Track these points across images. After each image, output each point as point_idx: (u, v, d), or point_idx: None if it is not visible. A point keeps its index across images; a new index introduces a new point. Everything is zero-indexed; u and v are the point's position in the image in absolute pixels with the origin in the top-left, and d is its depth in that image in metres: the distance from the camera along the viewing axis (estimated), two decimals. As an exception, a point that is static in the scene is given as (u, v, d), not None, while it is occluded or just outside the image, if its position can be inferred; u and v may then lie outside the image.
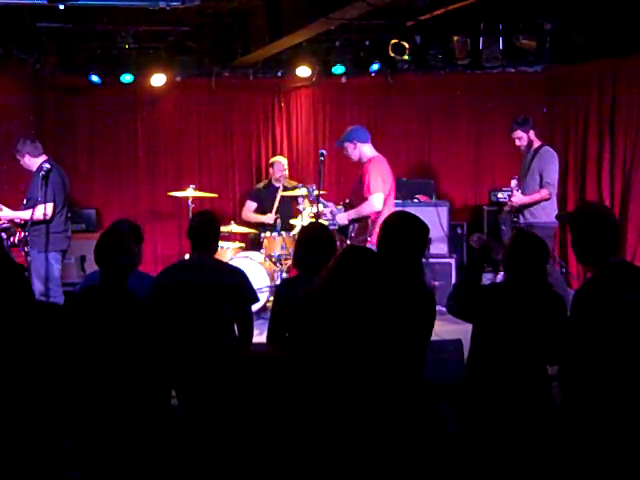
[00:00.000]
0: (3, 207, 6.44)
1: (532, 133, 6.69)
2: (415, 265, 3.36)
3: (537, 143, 6.71)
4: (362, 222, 6.23)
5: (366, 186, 6.13)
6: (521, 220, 6.49)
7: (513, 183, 6.51)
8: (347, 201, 6.56)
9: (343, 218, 6.27)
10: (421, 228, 3.43)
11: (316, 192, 6.44)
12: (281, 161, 8.29)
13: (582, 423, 3.31)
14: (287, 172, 8.27)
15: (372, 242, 5.71)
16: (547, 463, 3.44)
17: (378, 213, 6.05)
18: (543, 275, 3.62)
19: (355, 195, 6.40)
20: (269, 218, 8.00)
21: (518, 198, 6.49)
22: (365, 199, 6.14)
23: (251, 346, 4.15)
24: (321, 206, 6.49)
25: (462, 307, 3.70)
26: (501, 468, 3.53)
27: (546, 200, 6.47)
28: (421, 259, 3.40)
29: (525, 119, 6.74)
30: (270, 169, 8.36)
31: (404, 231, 3.38)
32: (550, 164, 6.58)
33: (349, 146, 6.34)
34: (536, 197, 6.47)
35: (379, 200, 6.09)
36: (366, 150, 6.32)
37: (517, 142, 6.76)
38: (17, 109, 8.20)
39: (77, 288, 5.92)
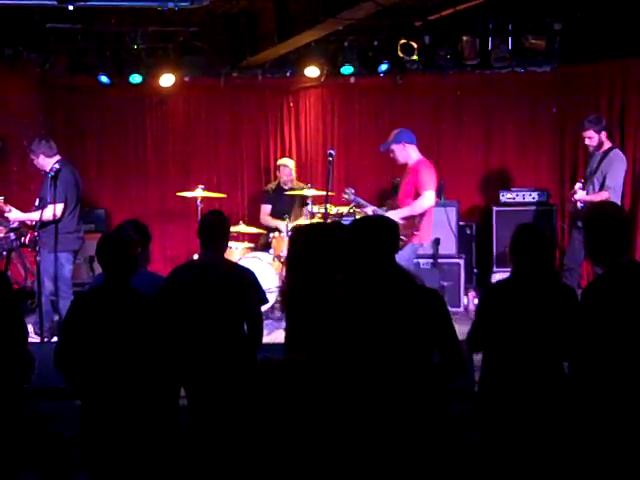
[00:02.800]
0: (12, 208, 6.44)
1: (604, 134, 6.57)
2: (386, 268, 3.14)
3: (607, 144, 6.59)
4: (409, 218, 6.26)
5: (419, 183, 6.23)
6: None
7: (577, 185, 6.51)
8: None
9: (394, 215, 5.96)
10: (377, 229, 3.21)
11: (330, 193, 6.51)
12: (288, 164, 8.20)
13: (592, 422, 3.30)
14: (294, 174, 8.21)
15: (418, 235, 6.17)
16: (563, 461, 3.44)
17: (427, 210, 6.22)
18: (549, 265, 3.60)
19: (402, 195, 6.40)
20: (285, 225, 7.84)
21: (580, 195, 6.47)
22: (415, 198, 6.23)
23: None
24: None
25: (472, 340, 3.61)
26: (517, 467, 3.52)
27: None
28: (391, 261, 3.16)
29: (598, 118, 6.62)
30: (277, 172, 8.30)
31: (360, 235, 3.21)
32: (616, 168, 6.47)
33: (397, 148, 6.41)
34: (596, 198, 6.36)
35: (430, 197, 6.20)
36: (413, 151, 6.43)
37: (587, 141, 6.61)
38: (26, 109, 8.23)
39: (86, 288, 5.93)
